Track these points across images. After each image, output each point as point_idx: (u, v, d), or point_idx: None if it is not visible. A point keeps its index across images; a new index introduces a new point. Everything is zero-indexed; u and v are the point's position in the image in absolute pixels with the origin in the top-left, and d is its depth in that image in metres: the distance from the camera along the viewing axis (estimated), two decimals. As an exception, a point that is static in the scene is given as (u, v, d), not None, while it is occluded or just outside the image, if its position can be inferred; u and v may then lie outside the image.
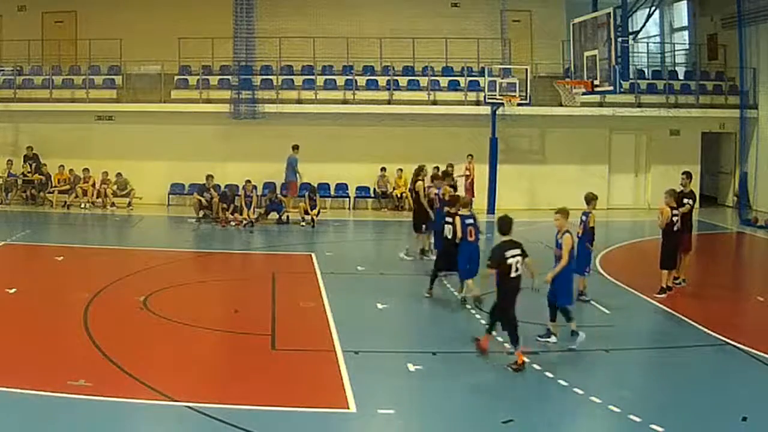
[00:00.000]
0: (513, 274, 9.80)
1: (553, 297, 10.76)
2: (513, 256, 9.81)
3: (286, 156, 23.55)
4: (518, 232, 10.01)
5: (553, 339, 10.86)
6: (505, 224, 10.08)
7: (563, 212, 10.98)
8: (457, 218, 12.72)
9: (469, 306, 12.62)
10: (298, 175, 22.87)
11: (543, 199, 23.30)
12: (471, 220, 12.69)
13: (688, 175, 14.69)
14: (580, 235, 12.98)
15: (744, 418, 8.22)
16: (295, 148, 22.70)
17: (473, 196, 23.33)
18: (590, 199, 13.12)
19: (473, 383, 9.55)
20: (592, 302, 13.00)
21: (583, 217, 13.02)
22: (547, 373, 9.55)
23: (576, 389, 9.01)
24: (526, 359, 9.78)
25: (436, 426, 8.31)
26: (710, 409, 8.63)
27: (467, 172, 23.28)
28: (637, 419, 8.14)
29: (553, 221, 11.10)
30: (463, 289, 12.89)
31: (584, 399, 8.78)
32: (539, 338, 10.88)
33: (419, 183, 16.52)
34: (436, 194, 15.69)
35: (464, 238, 12.60)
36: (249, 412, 8.29)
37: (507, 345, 10.15)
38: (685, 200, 14.22)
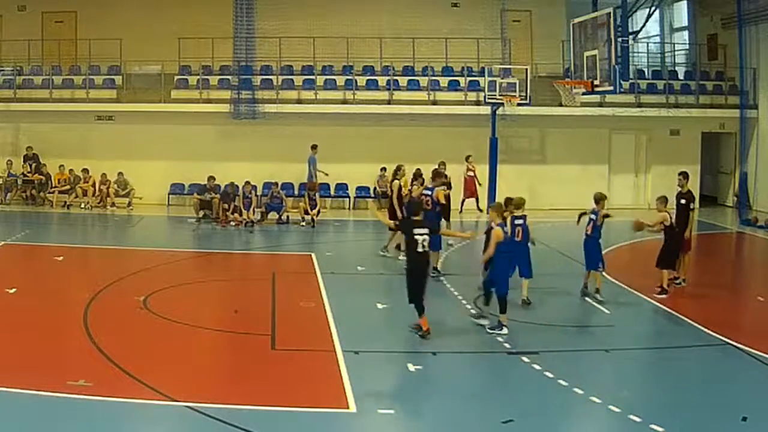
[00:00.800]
0: (420, 249, 10.99)
1: (491, 285, 11.46)
2: (420, 234, 10.97)
3: (286, 156, 23.69)
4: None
5: (505, 330, 11.21)
6: (414, 206, 11.76)
7: (494, 207, 11.96)
8: (508, 218, 12.70)
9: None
10: (315, 175, 22.84)
11: (543, 199, 23.28)
12: (521, 221, 12.63)
13: (685, 175, 14.68)
14: (589, 233, 13.06)
15: (744, 418, 8.23)
16: (314, 147, 22.66)
17: (473, 197, 23.41)
18: (599, 198, 13.29)
19: (473, 383, 9.57)
20: (591, 301, 13.02)
21: (593, 216, 13.12)
22: (547, 373, 9.54)
23: (576, 389, 9.01)
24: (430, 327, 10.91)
25: (436, 426, 8.30)
26: (710, 409, 8.63)
27: (471, 173, 23.28)
28: (637, 419, 8.14)
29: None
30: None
31: (584, 399, 8.78)
32: (489, 331, 11.25)
33: (396, 182, 16.53)
34: (427, 196, 14.99)
35: (512, 238, 12.42)
36: (249, 412, 8.29)
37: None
38: (683, 200, 14.26)
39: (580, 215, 13.61)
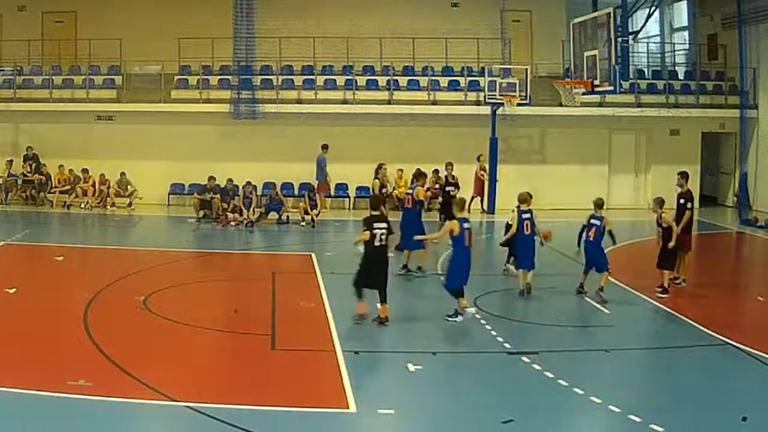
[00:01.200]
0: (377, 243, 11.46)
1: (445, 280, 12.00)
2: (379, 228, 11.47)
3: (286, 156, 23.70)
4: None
5: (460, 318, 11.68)
6: (375, 201, 12.34)
7: (456, 203, 12.49)
8: (515, 214, 13.73)
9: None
10: (326, 175, 22.79)
11: (543, 199, 23.25)
12: (528, 215, 13.44)
13: (683, 175, 14.66)
14: (592, 238, 13.09)
15: (744, 418, 8.22)
16: (325, 147, 22.59)
17: (481, 196, 23.53)
18: (601, 204, 13.48)
19: (473, 383, 9.55)
20: (591, 301, 13.02)
21: (597, 222, 13.18)
22: (547, 373, 9.54)
23: (576, 389, 9.01)
24: (366, 311, 11.58)
25: (436, 426, 8.30)
26: (710, 409, 8.63)
27: (483, 172, 23.35)
28: (637, 419, 8.14)
29: None
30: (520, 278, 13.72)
31: (584, 399, 8.78)
32: (448, 318, 11.76)
33: (375, 181, 16.58)
34: (408, 194, 15.29)
35: (521, 232, 13.44)
36: (249, 412, 8.29)
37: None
38: (682, 200, 14.25)
39: (580, 236, 13.60)
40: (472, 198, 23.52)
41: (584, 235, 13.45)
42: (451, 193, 18.14)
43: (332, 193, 24.62)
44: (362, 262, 11.64)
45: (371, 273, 11.53)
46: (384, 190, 16.58)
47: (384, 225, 11.56)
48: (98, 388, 8.62)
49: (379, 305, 11.60)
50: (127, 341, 10.48)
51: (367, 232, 11.41)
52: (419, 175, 15.60)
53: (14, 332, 10.79)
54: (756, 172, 24.57)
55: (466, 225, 11.73)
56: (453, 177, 18.49)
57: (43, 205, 23.77)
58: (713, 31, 26.57)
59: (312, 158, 23.16)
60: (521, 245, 13.58)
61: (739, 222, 23.23)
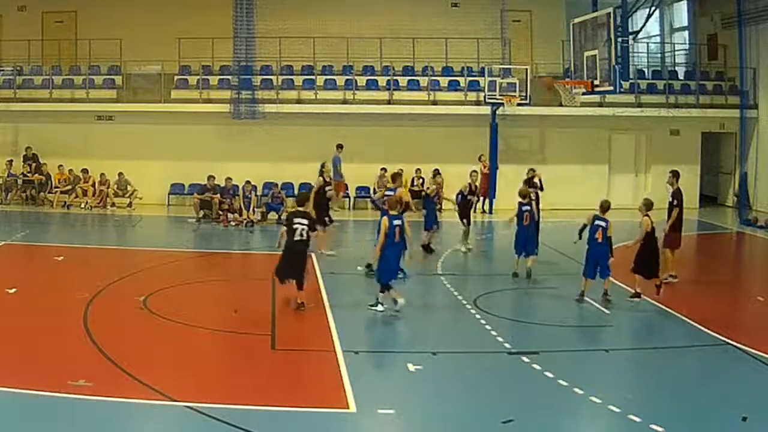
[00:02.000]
0: (297, 238, 11.94)
1: (377, 273, 12.29)
2: (299, 223, 11.93)
3: (286, 156, 23.68)
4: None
5: (401, 302, 11.94)
6: (300, 198, 13.18)
7: (390, 200, 12.79)
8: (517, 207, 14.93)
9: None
10: (341, 175, 22.83)
11: (543, 199, 23.12)
12: (527, 207, 14.75)
13: (674, 173, 14.62)
14: (600, 240, 12.94)
15: (744, 418, 8.22)
16: (339, 147, 22.60)
17: (485, 197, 23.56)
18: (608, 207, 13.26)
19: (473, 383, 9.56)
20: (591, 301, 13.01)
21: (603, 223, 12.96)
22: (547, 373, 9.54)
23: (576, 389, 9.00)
24: (306, 301, 12.10)
25: (436, 426, 8.30)
26: (710, 409, 8.64)
27: (486, 170, 23.37)
28: (637, 419, 8.13)
29: None
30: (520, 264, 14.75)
31: (584, 399, 8.78)
32: (369, 306, 12.08)
33: (320, 179, 16.69)
34: (387, 196, 15.29)
35: (520, 223, 14.70)
36: (249, 412, 8.28)
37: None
38: (670, 199, 14.21)
39: (581, 231, 13.32)
40: (478, 198, 23.53)
41: (590, 235, 13.02)
42: (473, 202, 18.28)
43: (351, 194, 24.55)
44: (283, 253, 12.23)
45: (290, 264, 12.08)
46: (328, 188, 16.72)
47: (305, 221, 12.06)
48: (98, 388, 8.61)
49: (298, 292, 12.19)
50: (127, 341, 10.47)
51: (284, 228, 12.16)
52: (397, 176, 15.84)
53: (14, 332, 10.78)
54: (756, 172, 24.59)
55: (395, 222, 12.07)
56: (476, 187, 18.49)
57: (43, 205, 23.79)
58: (713, 31, 26.59)
59: (312, 159, 23.05)
60: (521, 235, 14.72)
61: (739, 222, 23.23)
